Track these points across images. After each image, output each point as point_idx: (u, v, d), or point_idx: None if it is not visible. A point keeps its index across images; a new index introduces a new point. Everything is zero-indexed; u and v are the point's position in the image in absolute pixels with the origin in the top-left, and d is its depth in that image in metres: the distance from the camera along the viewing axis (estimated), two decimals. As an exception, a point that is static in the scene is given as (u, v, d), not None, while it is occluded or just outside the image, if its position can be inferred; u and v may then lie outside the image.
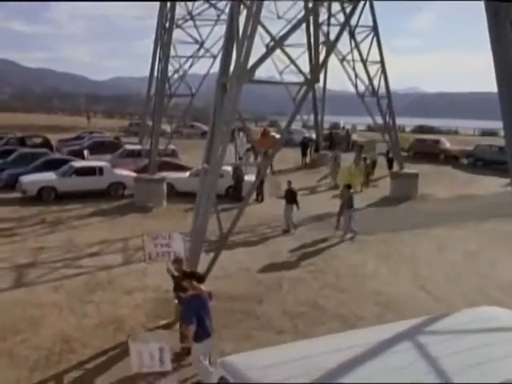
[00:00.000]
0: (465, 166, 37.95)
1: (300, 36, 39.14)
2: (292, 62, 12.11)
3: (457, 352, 6.20)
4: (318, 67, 12.35)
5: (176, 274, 11.35)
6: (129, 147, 34.14)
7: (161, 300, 13.82)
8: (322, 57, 18.48)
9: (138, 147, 34.04)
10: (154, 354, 8.88)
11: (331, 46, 12.32)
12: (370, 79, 27.87)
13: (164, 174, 25.99)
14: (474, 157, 38.24)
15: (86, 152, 34.01)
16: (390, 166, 32.42)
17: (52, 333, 11.87)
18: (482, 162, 37.47)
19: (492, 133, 59.88)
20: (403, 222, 21.85)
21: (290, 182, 21.31)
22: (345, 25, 14.95)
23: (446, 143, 41.62)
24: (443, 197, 27.66)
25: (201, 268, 13.19)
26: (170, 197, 25.22)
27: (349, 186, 20.76)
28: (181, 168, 29.22)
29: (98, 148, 35.56)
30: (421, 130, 59.33)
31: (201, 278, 10.29)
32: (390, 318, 11.94)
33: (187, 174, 27.25)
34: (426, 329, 6.88)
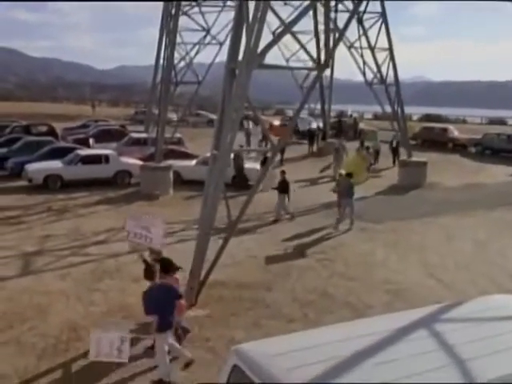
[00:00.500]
0: (473, 155, 37.67)
1: (306, 23, 38.91)
2: (302, 46, 11.90)
3: (473, 340, 6.06)
4: (329, 52, 12.11)
5: (149, 260, 11.20)
6: (135, 135, 33.98)
7: (169, 288, 13.70)
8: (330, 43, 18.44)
9: (143, 135, 33.85)
10: (113, 343, 8.73)
11: (341, 33, 11.99)
12: (378, 66, 27.62)
13: (170, 162, 25.83)
14: (482, 145, 37.90)
15: (91, 140, 33.90)
16: (395, 156, 32.19)
17: (59, 321, 11.79)
18: (490, 151, 37.15)
19: (500, 121, 59.45)
20: (412, 211, 21.67)
21: (283, 172, 20.98)
22: (354, 11, 14.73)
23: (454, 131, 41.32)
24: (451, 185, 27.42)
25: (209, 255, 13.10)
26: (176, 185, 25.09)
27: (349, 175, 20.12)
28: (187, 156, 29.06)
29: (104, 136, 35.45)
30: (428, 118, 58.95)
31: (168, 269, 10.08)
32: (399, 307, 11.78)
33: (194, 162, 27.09)
34: (440, 317, 6.73)
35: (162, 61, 29.29)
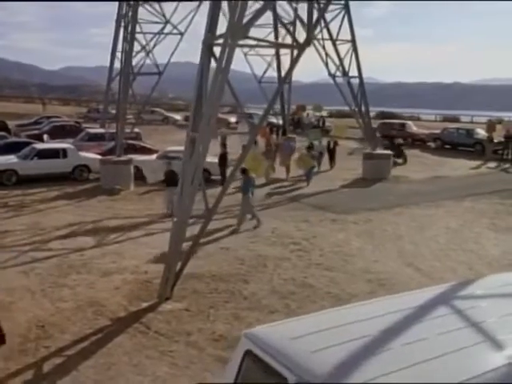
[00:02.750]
0: (432, 149, 37.91)
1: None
2: (283, 24, 11.38)
3: (499, 316, 5.65)
4: (311, 30, 11.59)
5: None
6: (91, 131, 32.92)
7: (141, 282, 13.02)
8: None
9: (101, 130, 32.84)
10: None
11: (323, 10, 11.45)
12: (341, 59, 27.34)
13: (130, 156, 24.97)
14: (442, 140, 38.20)
15: (45, 136, 32.68)
16: (332, 158, 30.03)
17: (26, 319, 10.93)
18: (449, 145, 37.47)
19: (454, 119, 60.40)
20: (381, 202, 21.42)
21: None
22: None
23: (413, 127, 41.58)
24: (416, 178, 27.38)
25: (185, 245, 12.47)
26: (136, 180, 24.28)
27: (243, 171, 18.21)
28: (147, 151, 28.21)
29: (59, 132, 34.25)
30: (383, 115, 59.28)
31: None
32: (383, 295, 11.39)
33: (154, 156, 26.28)
34: (457, 294, 6.31)
35: (119, 54, 28.23)
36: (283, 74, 34.54)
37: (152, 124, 50.56)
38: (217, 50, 10.94)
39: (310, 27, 11.27)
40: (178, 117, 57.06)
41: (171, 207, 18.95)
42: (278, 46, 19.54)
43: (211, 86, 10.43)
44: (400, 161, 31.06)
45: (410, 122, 43.23)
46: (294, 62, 11.51)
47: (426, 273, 13.85)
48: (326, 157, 29.90)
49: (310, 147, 27.38)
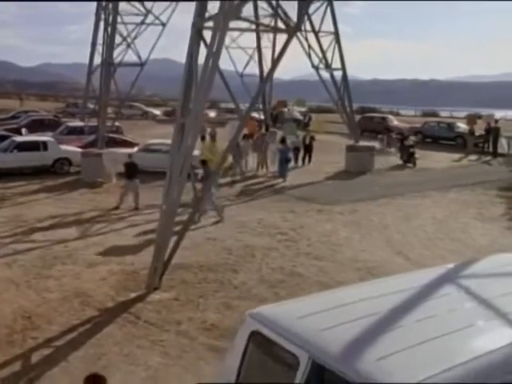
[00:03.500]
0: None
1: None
2: (273, 8, 11.18)
3: (506, 293, 5.55)
4: (301, 16, 11.42)
5: None
6: (71, 124, 32.42)
7: (127, 272, 12.77)
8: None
9: (80, 124, 32.32)
10: None
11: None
12: (323, 51, 27.22)
13: (112, 149, 24.59)
14: (423, 134, 38.32)
15: (24, 130, 32.07)
16: (308, 154, 28.68)
17: (11, 310, 10.65)
18: (430, 139, 37.59)
19: (433, 114, 60.82)
20: (365, 193, 21.35)
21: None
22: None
23: (394, 121, 41.64)
24: (399, 170, 27.40)
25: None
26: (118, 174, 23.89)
27: (203, 162, 17.90)
28: (128, 144, 27.81)
29: (37, 126, 33.66)
30: (363, 110, 59.45)
31: None
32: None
33: (135, 149, 25.91)
34: (463, 273, 6.21)
35: (102, 42, 27.72)
36: (266, 66, 34.60)
37: (131, 119, 50.08)
38: (206, 35, 10.75)
39: (300, 11, 11.09)
40: (157, 112, 56.59)
41: (137, 201, 18.88)
42: (272, 30, 19.06)
43: (202, 71, 10.20)
44: (410, 165, 28.26)
45: (390, 116, 43.41)
46: (284, 47, 11.27)
47: (415, 261, 13.76)
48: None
49: (283, 141, 25.66)
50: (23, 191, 21.12)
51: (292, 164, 26.60)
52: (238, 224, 16.94)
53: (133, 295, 11.49)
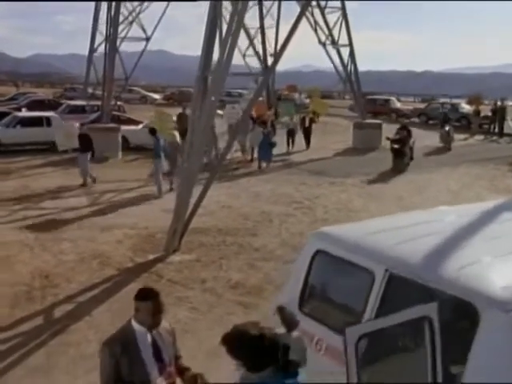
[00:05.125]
0: (418, 124, 37.51)
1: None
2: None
3: None
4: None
5: None
6: (72, 103, 31.95)
7: (143, 236, 12.47)
8: None
9: (82, 103, 31.83)
10: None
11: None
12: (329, 28, 26.91)
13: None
14: (426, 115, 38.02)
15: (24, 110, 31.52)
16: (307, 137, 26.42)
17: (28, 270, 10.33)
18: (434, 120, 37.28)
19: (432, 100, 60.31)
20: (376, 168, 21.00)
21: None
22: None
23: (397, 103, 41.37)
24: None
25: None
26: (123, 150, 23.52)
27: (153, 131, 17.25)
28: (132, 122, 27.42)
29: (38, 107, 32.92)
30: (364, 93, 58.94)
31: None
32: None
33: (140, 126, 25.55)
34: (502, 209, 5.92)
35: (106, 18, 27.25)
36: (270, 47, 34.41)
37: (130, 103, 49.49)
38: None
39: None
40: (156, 96, 56.03)
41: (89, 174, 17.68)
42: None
43: (227, 29, 9.85)
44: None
45: (393, 98, 43.16)
46: (296, 21, 10.76)
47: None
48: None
49: (272, 125, 23.55)
50: (28, 165, 20.72)
51: (284, 150, 24.17)
52: (251, 193, 16.65)
53: (151, 257, 11.20)
